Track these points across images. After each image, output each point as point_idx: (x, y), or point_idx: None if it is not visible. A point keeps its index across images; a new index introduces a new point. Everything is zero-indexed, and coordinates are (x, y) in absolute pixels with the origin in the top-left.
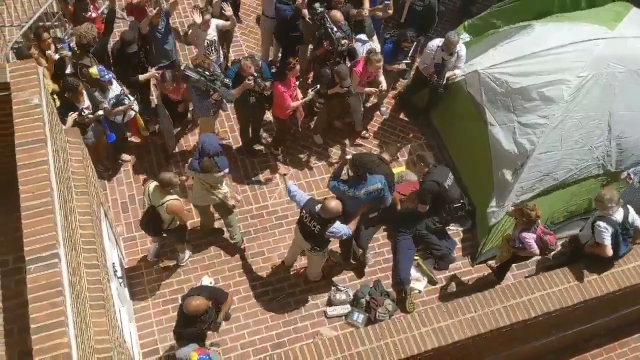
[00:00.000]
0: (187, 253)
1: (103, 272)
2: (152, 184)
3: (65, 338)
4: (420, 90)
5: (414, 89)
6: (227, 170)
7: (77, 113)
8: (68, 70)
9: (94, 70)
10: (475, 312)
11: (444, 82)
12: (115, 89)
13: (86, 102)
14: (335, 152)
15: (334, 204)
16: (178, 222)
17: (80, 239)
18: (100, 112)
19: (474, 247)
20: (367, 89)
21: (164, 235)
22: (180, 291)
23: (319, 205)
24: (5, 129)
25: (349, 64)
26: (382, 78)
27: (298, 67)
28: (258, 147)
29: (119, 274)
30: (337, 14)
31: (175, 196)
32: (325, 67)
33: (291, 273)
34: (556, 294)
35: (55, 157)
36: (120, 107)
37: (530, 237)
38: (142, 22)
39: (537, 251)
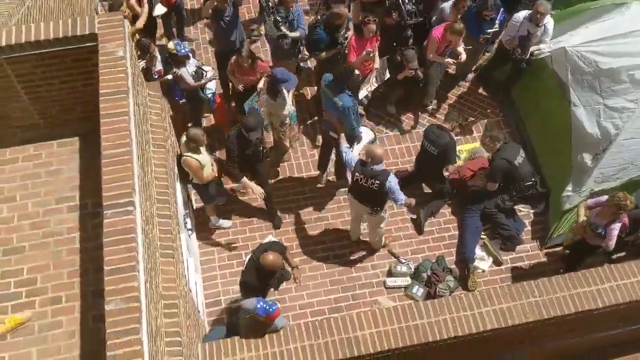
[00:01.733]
0: (217, 218)
1: (174, 223)
2: (184, 136)
3: (136, 282)
4: (502, 64)
5: (495, 63)
6: (293, 111)
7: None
8: (157, 13)
9: (170, 44)
10: (539, 297)
11: (528, 56)
12: (193, 62)
13: (158, 66)
14: (407, 122)
15: (380, 150)
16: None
17: (155, 189)
18: (170, 77)
19: (544, 230)
20: (445, 59)
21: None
22: (244, 248)
23: (372, 163)
24: (92, 79)
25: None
26: (461, 49)
27: (373, 26)
28: None
29: (189, 226)
30: None
31: (195, 155)
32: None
33: (353, 242)
34: (627, 286)
35: (136, 109)
36: (203, 81)
37: (617, 229)
38: (206, 4)
39: (612, 247)
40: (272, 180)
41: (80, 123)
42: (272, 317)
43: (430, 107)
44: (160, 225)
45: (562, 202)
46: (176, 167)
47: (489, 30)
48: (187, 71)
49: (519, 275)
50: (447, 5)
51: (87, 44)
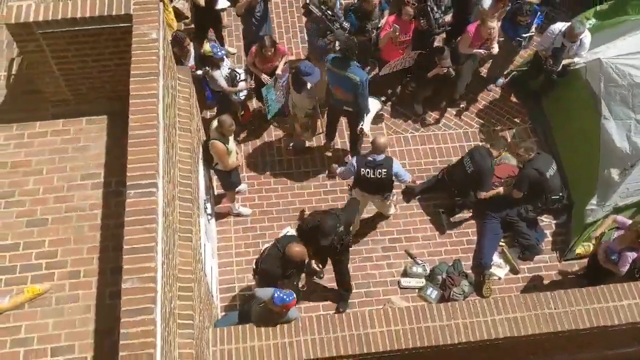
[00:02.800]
0: (237, 206)
1: (195, 207)
2: (216, 121)
3: (153, 263)
4: (536, 74)
5: (530, 72)
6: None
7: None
8: (221, 6)
9: (207, 47)
10: (554, 309)
11: (559, 68)
12: (227, 64)
13: (191, 62)
14: (433, 123)
15: (384, 140)
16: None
17: (178, 172)
18: (200, 73)
19: (564, 242)
20: (477, 51)
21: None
22: (262, 237)
23: (371, 154)
24: (124, 59)
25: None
26: (495, 43)
27: (410, 9)
28: None
29: (209, 210)
30: None
31: (223, 141)
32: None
33: (370, 239)
34: None
35: (165, 92)
36: (242, 85)
37: (631, 257)
38: (239, 4)
39: (624, 272)
40: (294, 171)
41: (110, 102)
42: (288, 306)
43: (461, 105)
44: (180, 209)
45: (586, 215)
46: (201, 152)
47: (524, 35)
48: (221, 74)
49: (535, 285)
50: (486, 3)
51: (122, 25)
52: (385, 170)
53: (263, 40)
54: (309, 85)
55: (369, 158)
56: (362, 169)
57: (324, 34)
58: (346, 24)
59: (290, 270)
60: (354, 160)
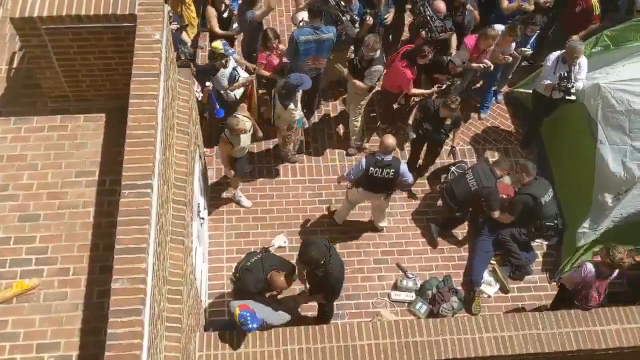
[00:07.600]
0: (239, 194)
1: (188, 210)
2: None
3: (144, 264)
4: (545, 116)
5: (539, 118)
6: (301, 117)
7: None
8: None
9: (218, 44)
10: (542, 329)
11: (574, 86)
12: (231, 65)
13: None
14: None
15: (392, 140)
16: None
17: (174, 175)
18: (208, 84)
19: (555, 264)
20: (474, 65)
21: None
22: (254, 243)
23: (379, 154)
24: (126, 58)
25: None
26: (488, 56)
27: (429, 59)
28: None
29: (202, 214)
30: (440, 4)
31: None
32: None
33: (362, 250)
34: (633, 331)
35: (165, 93)
36: (239, 83)
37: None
38: (259, 14)
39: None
40: (290, 178)
41: (109, 100)
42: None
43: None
44: (174, 211)
45: (577, 238)
46: (197, 154)
47: (524, 49)
48: (224, 73)
49: (524, 305)
50: (499, 28)
51: (126, 24)
52: (393, 170)
53: (265, 35)
54: (298, 97)
55: (378, 157)
56: (371, 168)
57: (334, 24)
58: (357, 18)
59: (266, 292)
60: (363, 160)
